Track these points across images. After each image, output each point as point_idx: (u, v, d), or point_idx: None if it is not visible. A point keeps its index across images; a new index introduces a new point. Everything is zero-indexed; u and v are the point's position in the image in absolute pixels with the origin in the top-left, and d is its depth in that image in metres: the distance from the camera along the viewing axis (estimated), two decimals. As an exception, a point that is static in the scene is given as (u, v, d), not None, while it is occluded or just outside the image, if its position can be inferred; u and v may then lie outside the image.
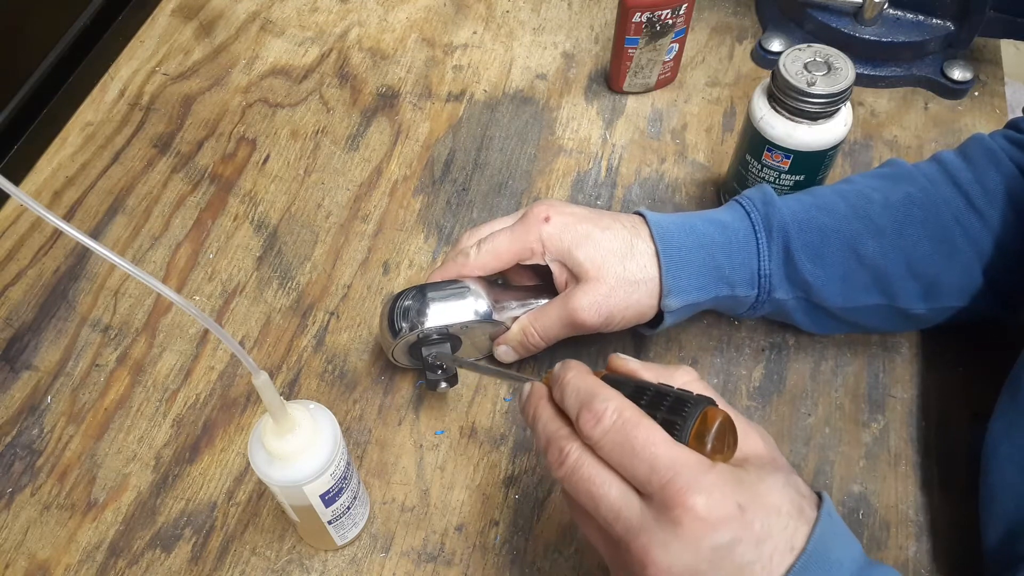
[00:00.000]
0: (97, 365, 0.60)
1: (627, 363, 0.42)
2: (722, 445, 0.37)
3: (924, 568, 0.52)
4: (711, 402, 0.38)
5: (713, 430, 0.37)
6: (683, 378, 0.41)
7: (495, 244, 0.54)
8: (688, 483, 0.35)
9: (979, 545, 0.50)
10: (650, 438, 0.36)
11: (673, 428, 0.37)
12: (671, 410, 0.38)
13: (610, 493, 0.37)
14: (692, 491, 0.35)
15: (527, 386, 0.43)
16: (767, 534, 0.35)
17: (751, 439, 0.39)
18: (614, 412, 0.37)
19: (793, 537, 0.36)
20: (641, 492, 0.37)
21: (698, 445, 0.37)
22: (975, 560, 0.51)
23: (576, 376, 0.40)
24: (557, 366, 0.41)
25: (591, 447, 0.38)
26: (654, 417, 0.37)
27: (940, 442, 0.56)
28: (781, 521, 0.36)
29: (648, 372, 0.41)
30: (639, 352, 0.60)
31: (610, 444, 0.37)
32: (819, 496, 0.38)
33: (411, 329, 0.53)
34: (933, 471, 0.55)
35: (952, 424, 0.57)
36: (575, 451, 0.38)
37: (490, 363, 0.59)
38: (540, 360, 0.60)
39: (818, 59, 0.57)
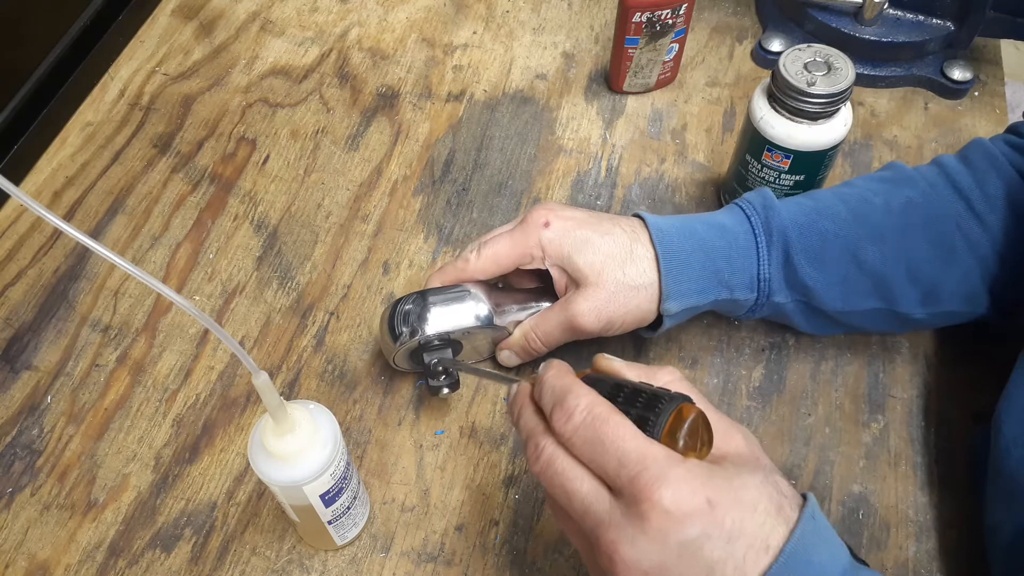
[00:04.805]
0: (97, 365, 0.60)
1: (611, 363, 0.42)
2: (695, 442, 0.37)
3: (924, 568, 0.52)
4: (687, 399, 0.38)
5: (685, 426, 0.36)
6: (665, 378, 0.41)
7: (495, 249, 0.54)
8: (655, 477, 0.34)
9: (979, 545, 0.50)
10: (619, 433, 0.36)
11: (646, 424, 0.37)
12: (645, 407, 0.37)
13: (581, 488, 0.37)
14: (659, 485, 0.34)
15: (514, 386, 0.43)
16: (739, 531, 0.35)
17: (733, 439, 0.39)
18: (584, 409, 0.37)
19: (769, 536, 0.35)
20: (611, 487, 0.36)
21: (670, 442, 0.36)
22: (975, 560, 0.51)
23: (554, 375, 0.40)
24: (541, 366, 0.42)
25: (564, 444, 0.38)
26: (628, 414, 0.37)
27: (940, 442, 0.56)
28: (756, 519, 0.35)
29: (631, 371, 0.41)
30: (639, 353, 0.60)
31: (580, 440, 0.37)
32: (805, 499, 0.38)
33: (412, 335, 0.53)
34: (933, 471, 0.55)
35: (952, 424, 0.57)
36: (549, 447, 0.38)
37: (488, 366, 0.59)
38: (541, 361, 0.60)
39: (818, 59, 0.57)
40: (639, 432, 0.36)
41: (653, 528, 0.34)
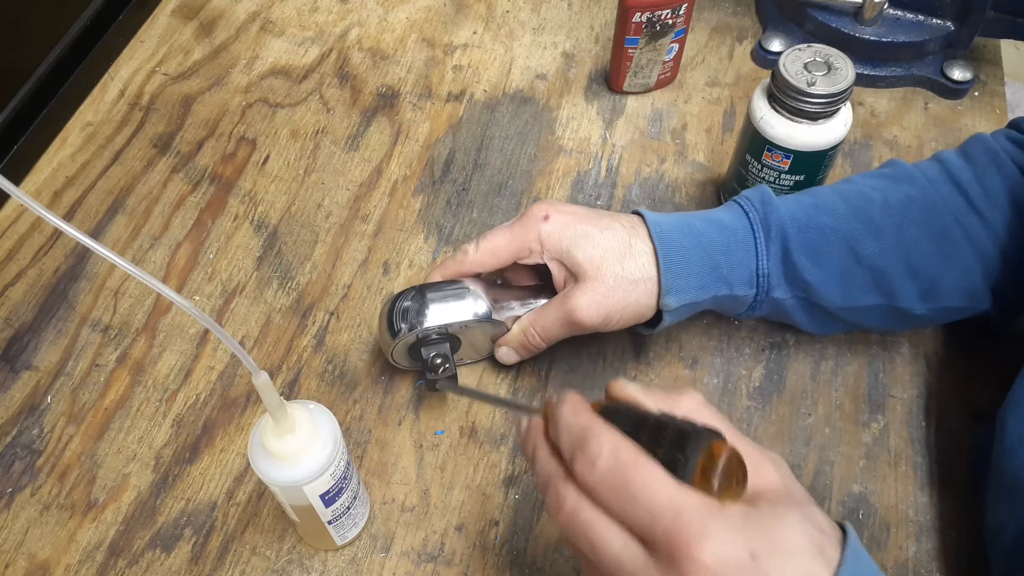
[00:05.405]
0: (97, 365, 0.60)
1: (627, 389, 0.39)
2: (730, 482, 0.34)
3: (924, 568, 0.52)
4: (717, 434, 0.35)
5: (719, 467, 0.34)
6: (688, 404, 0.38)
7: (493, 242, 0.54)
8: (693, 532, 0.32)
9: (979, 545, 0.50)
10: (649, 481, 0.34)
11: (675, 467, 0.34)
12: (672, 446, 0.34)
13: (612, 543, 0.34)
14: (698, 540, 0.32)
15: (524, 421, 0.41)
16: None
17: (765, 471, 0.36)
18: (609, 454, 0.35)
19: None
20: (644, 540, 0.34)
21: (704, 484, 0.34)
22: (975, 560, 0.51)
23: (569, 412, 0.37)
24: (554, 398, 0.39)
25: (587, 492, 0.35)
26: (655, 454, 0.35)
27: (940, 442, 0.56)
28: (801, 564, 0.33)
29: (650, 399, 0.38)
30: (639, 353, 0.60)
31: (607, 490, 0.35)
32: (843, 529, 0.36)
33: (410, 329, 0.53)
34: (933, 471, 0.55)
35: (952, 424, 0.57)
36: (572, 496, 0.36)
37: (487, 366, 0.59)
38: (540, 361, 0.60)
39: (818, 59, 0.57)
40: (669, 478, 0.34)
41: None
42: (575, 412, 0.37)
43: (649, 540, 0.34)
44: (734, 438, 0.36)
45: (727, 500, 0.34)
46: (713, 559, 0.32)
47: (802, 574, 0.33)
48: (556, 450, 0.38)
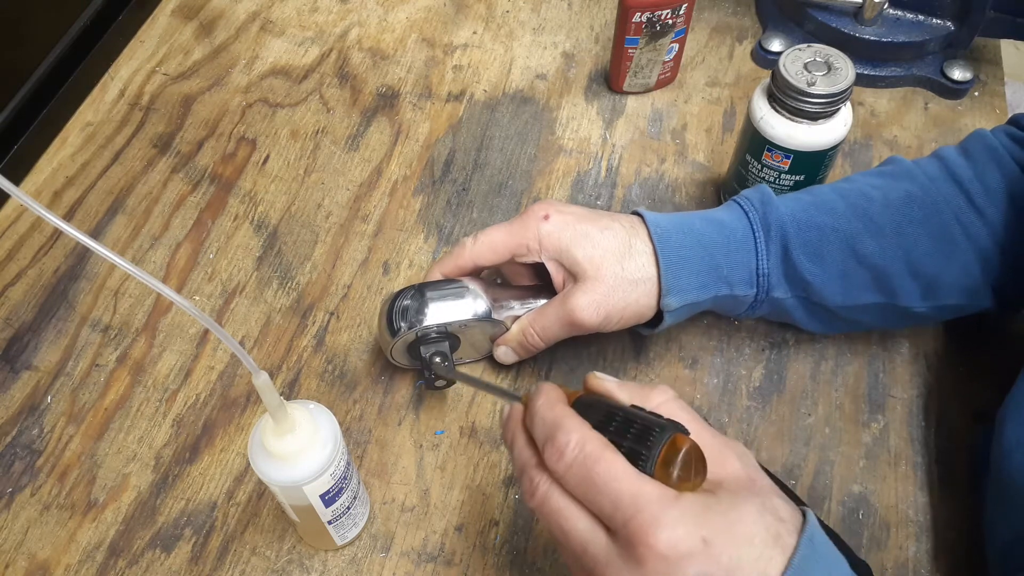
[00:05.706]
0: (97, 365, 0.60)
1: (603, 383, 0.41)
2: (689, 473, 0.36)
3: (924, 568, 0.52)
4: (680, 427, 0.37)
5: (679, 459, 0.36)
6: (658, 399, 0.40)
7: (492, 237, 0.54)
8: (650, 519, 0.34)
9: (979, 545, 0.50)
10: (611, 472, 0.36)
11: (638, 459, 0.36)
12: (637, 439, 0.37)
13: (577, 527, 0.37)
14: (654, 528, 0.34)
15: (506, 409, 0.42)
16: (736, 567, 0.34)
17: (728, 461, 0.38)
18: (576, 446, 0.37)
19: (767, 568, 0.34)
20: (608, 527, 0.36)
21: (664, 475, 0.36)
22: (975, 560, 0.51)
23: (544, 405, 0.39)
24: (532, 388, 0.41)
25: (557, 481, 0.38)
26: (620, 446, 0.37)
27: (940, 442, 0.56)
28: (753, 551, 0.34)
29: (623, 392, 0.40)
30: (639, 353, 0.60)
31: (574, 479, 0.37)
32: (805, 515, 0.37)
33: (409, 328, 0.53)
34: (933, 471, 0.55)
35: (952, 424, 0.57)
36: (544, 484, 0.38)
37: (486, 367, 0.59)
38: (540, 361, 0.60)
39: (818, 59, 0.57)
40: (631, 469, 0.36)
41: (650, 572, 0.34)
42: (549, 404, 0.39)
43: (612, 527, 0.36)
44: (699, 431, 0.38)
45: (685, 490, 0.36)
46: (665, 545, 0.34)
47: (755, 559, 0.34)
48: (532, 440, 0.40)
